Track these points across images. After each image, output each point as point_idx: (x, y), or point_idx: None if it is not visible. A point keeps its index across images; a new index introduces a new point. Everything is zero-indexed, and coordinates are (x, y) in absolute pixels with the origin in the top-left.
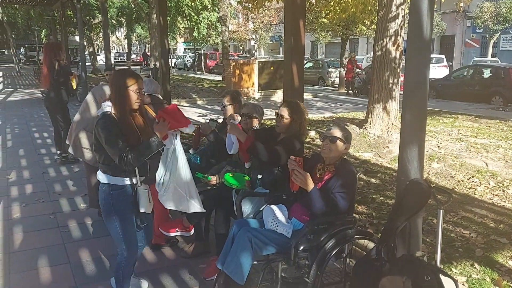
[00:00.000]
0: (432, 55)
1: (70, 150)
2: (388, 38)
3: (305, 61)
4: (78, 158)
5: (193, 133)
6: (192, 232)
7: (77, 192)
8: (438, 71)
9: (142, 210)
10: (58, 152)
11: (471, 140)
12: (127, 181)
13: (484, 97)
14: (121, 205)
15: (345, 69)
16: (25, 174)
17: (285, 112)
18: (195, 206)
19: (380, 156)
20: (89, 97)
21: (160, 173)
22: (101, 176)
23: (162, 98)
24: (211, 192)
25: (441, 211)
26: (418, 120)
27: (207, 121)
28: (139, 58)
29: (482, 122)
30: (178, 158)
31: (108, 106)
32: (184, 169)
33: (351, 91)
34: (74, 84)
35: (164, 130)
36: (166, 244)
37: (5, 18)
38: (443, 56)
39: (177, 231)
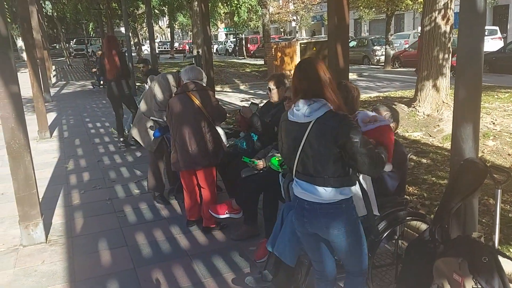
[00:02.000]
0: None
1: (135, 136)
2: (437, 12)
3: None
4: (135, 144)
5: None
6: (241, 214)
7: (130, 179)
8: (491, 43)
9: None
10: (121, 139)
11: None
12: (354, 190)
13: None
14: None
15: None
16: (82, 162)
17: None
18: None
19: (430, 136)
20: (150, 87)
21: None
22: (334, 193)
23: (205, 85)
24: (258, 176)
25: (499, 190)
26: (472, 97)
27: (249, 104)
28: (181, 46)
29: None
30: None
31: (325, 104)
32: None
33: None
34: None
35: None
36: (216, 227)
37: (55, 13)
38: (497, 28)
39: (226, 213)
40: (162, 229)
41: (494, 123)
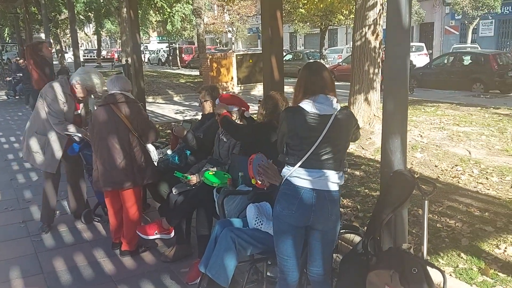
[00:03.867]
0: (411, 44)
1: (22, 155)
2: (367, 28)
3: (284, 53)
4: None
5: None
6: (172, 234)
7: None
8: (418, 59)
9: None
10: None
11: (453, 128)
12: None
13: (465, 84)
14: None
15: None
16: None
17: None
18: None
19: (363, 148)
20: (39, 101)
21: None
22: (340, 176)
23: (133, 97)
24: (191, 192)
25: (426, 201)
26: (399, 110)
27: (181, 123)
28: (109, 54)
29: (463, 110)
30: None
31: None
32: None
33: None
34: None
35: None
36: (135, 251)
37: None
38: (423, 44)
39: (156, 233)
40: (84, 253)
41: (421, 136)
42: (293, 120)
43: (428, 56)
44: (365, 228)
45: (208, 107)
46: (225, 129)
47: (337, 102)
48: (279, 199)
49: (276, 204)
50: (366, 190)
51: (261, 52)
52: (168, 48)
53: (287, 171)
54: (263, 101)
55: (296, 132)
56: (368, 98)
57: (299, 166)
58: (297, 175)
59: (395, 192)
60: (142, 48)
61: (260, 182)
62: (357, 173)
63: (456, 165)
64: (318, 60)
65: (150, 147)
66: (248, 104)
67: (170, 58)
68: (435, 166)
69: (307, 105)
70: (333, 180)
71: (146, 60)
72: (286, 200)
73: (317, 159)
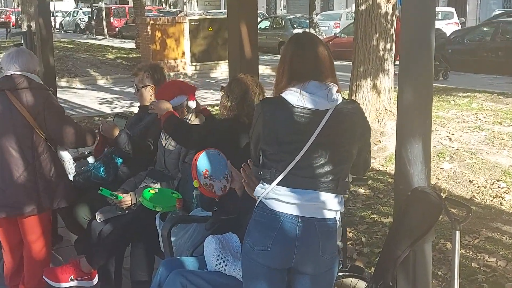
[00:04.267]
0: (437, 8)
1: None
2: None
3: (259, 19)
4: None
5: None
6: (95, 280)
7: None
8: (446, 30)
9: None
10: None
11: (494, 128)
12: None
13: (510, 66)
14: None
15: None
16: None
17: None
18: None
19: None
20: None
21: None
22: (337, 200)
23: (39, 81)
24: (123, 219)
25: (457, 232)
26: (420, 103)
27: (112, 118)
28: (4, 17)
29: (508, 102)
30: None
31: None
32: None
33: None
34: None
35: None
36: None
37: None
38: (453, 10)
39: (72, 279)
40: None
41: (450, 139)
42: (272, 118)
43: (460, 26)
44: (373, 269)
45: (148, 95)
46: (172, 136)
47: (337, 92)
48: (250, 230)
49: (246, 236)
50: (374, 216)
51: (225, 16)
52: (89, 9)
53: (261, 190)
54: (227, 87)
55: (276, 134)
56: (376, 84)
57: (278, 184)
58: (275, 197)
59: (415, 219)
60: (52, 8)
61: (205, 188)
62: (361, 191)
63: (498, 180)
64: (308, 30)
65: (65, 154)
66: (208, 91)
67: (93, 23)
68: (469, 181)
69: (293, 96)
70: (329, 206)
71: (58, 26)
72: (260, 232)
73: (304, 175)
